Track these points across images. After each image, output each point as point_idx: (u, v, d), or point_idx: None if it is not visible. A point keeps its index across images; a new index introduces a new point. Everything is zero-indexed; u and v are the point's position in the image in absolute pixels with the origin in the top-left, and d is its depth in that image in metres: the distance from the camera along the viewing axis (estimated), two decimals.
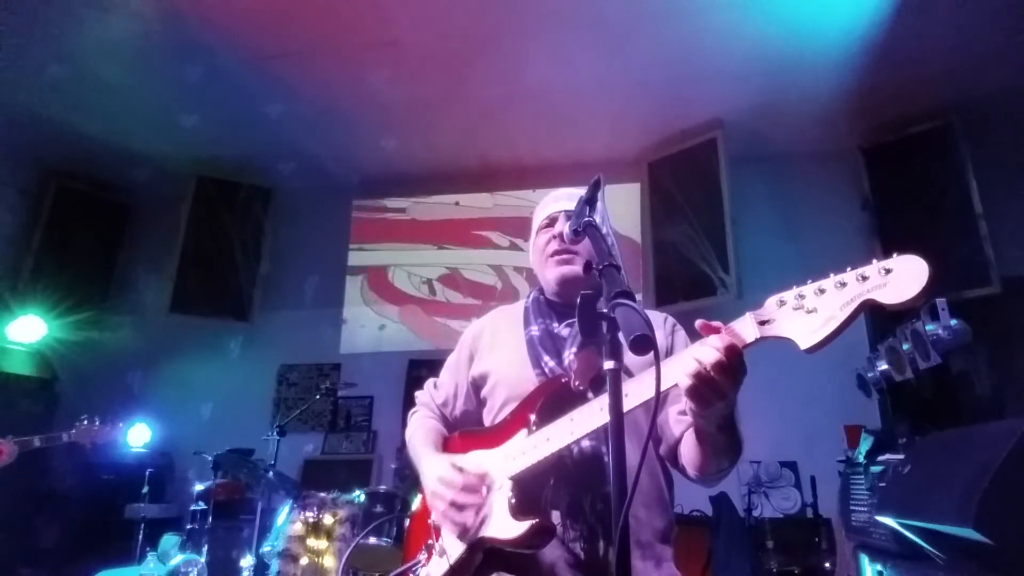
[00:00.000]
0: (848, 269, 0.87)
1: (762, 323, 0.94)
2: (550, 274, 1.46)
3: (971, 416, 3.78)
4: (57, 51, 4.03)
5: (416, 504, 1.57)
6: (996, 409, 3.92)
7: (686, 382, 0.98)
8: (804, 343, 0.89)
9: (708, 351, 0.96)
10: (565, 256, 1.43)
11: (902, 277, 0.82)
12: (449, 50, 4.09)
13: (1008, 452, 1.67)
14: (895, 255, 0.84)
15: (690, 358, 0.98)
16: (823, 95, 4.31)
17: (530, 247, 1.59)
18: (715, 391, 0.98)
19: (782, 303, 0.92)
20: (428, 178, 5.49)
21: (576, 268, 1.40)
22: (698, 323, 1.01)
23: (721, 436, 1.11)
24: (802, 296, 0.90)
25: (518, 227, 5.30)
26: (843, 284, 0.87)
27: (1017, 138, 4.28)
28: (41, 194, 5.26)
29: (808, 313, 0.89)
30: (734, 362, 0.95)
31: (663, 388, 1.03)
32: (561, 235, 1.37)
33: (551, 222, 1.48)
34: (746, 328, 0.96)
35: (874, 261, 0.85)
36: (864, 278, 0.85)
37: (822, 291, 0.88)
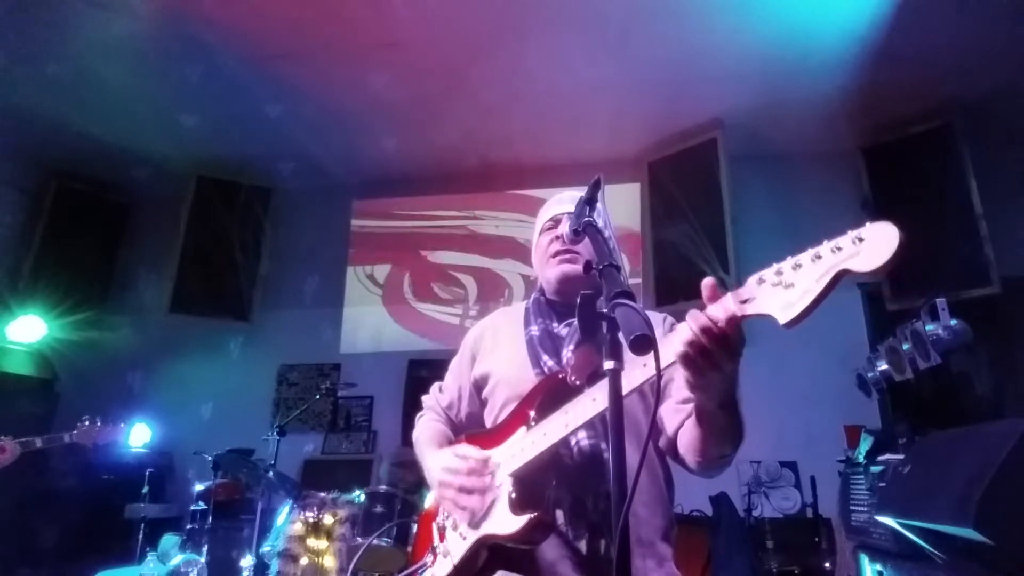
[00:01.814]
0: (824, 241, 0.88)
1: (743, 302, 0.95)
2: (551, 273, 1.47)
3: (971, 416, 3.78)
4: (57, 51, 4.03)
5: (423, 506, 1.58)
6: (996, 409, 3.92)
7: (679, 349, 0.97)
8: (783, 317, 0.89)
9: (702, 319, 0.96)
10: (567, 256, 1.43)
11: (874, 244, 0.82)
12: (449, 50, 4.09)
13: (1008, 452, 1.67)
14: (868, 224, 0.84)
15: (684, 327, 0.97)
16: (823, 95, 4.31)
17: (532, 249, 1.60)
18: (709, 360, 0.96)
19: (761, 281, 0.93)
20: (428, 178, 5.49)
21: (577, 267, 1.40)
22: (706, 281, 0.99)
23: (723, 415, 1.09)
24: (780, 272, 0.91)
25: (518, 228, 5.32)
26: (818, 257, 0.87)
27: (1017, 138, 4.28)
28: (41, 194, 5.27)
29: (786, 288, 0.90)
30: (727, 331, 0.95)
31: (638, 384, 1.03)
32: (563, 236, 1.38)
33: (555, 223, 1.49)
34: (728, 308, 0.96)
35: (848, 232, 0.86)
36: (838, 249, 0.86)
37: (799, 266, 0.89)
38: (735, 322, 0.95)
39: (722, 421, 1.11)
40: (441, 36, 3.98)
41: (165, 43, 4.01)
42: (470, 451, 1.31)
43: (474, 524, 1.27)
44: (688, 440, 1.22)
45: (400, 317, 5.42)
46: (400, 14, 3.77)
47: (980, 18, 3.63)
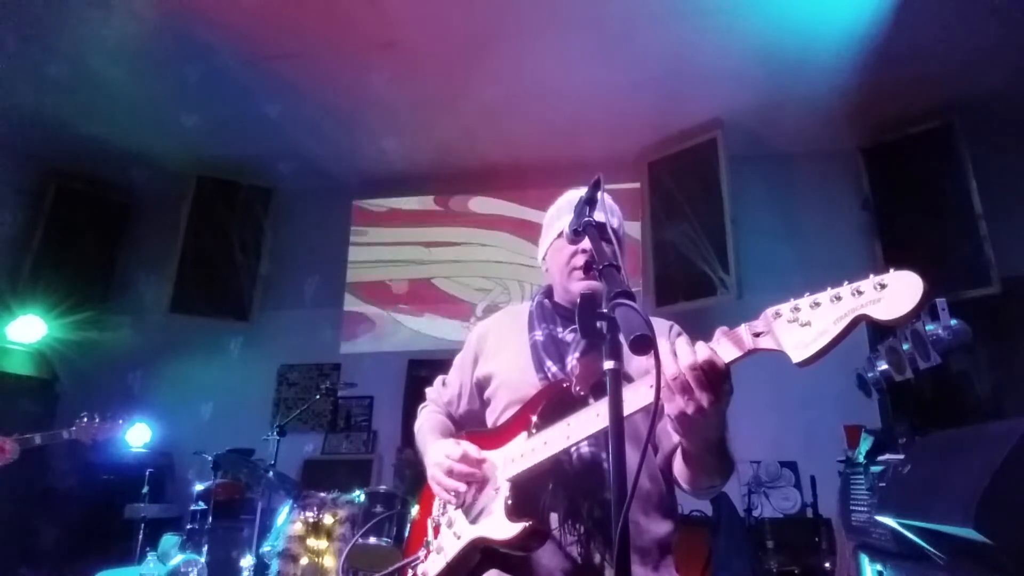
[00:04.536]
0: (845, 283, 0.87)
1: (756, 335, 0.94)
2: (575, 287, 1.41)
3: (971, 416, 3.78)
4: (57, 51, 4.03)
5: (417, 508, 1.58)
6: (996, 409, 3.91)
7: (667, 396, 0.98)
8: (796, 356, 0.88)
9: (689, 357, 0.96)
10: (593, 273, 1.40)
11: (897, 293, 0.82)
12: (449, 50, 4.09)
13: (1008, 452, 1.67)
14: (892, 270, 0.84)
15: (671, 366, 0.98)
16: (823, 95, 4.31)
17: (542, 247, 1.56)
18: (694, 405, 0.97)
19: (777, 315, 0.92)
20: (428, 178, 5.49)
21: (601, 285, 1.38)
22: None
23: (711, 459, 1.12)
24: (797, 309, 0.90)
25: (520, 230, 5.32)
26: (838, 298, 0.87)
27: (1017, 138, 4.28)
28: (41, 194, 5.27)
29: (802, 326, 0.89)
30: (712, 376, 0.96)
31: (642, 405, 1.03)
32: (590, 251, 1.29)
33: (578, 235, 1.45)
34: (740, 339, 0.96)
35: (871, 276, 0.85)
36: (859, 293, 0.85)
37: (817, 304, 0.88)
38: (709, 363, 0.95)
39: (710, 462, 1.13)
40: (441, 36, 3.98)
41: (165, 43, 4.01)
42: (471, 446, 1.33)
43: (466, 512, 1.29)
44: (679, 469, 1.24)
45: (400, 317, 5.41)
46: (399, 14, 3.77)
47: (980, 18, 3.63)
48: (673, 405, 0.99)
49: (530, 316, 1.49)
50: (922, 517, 2.01)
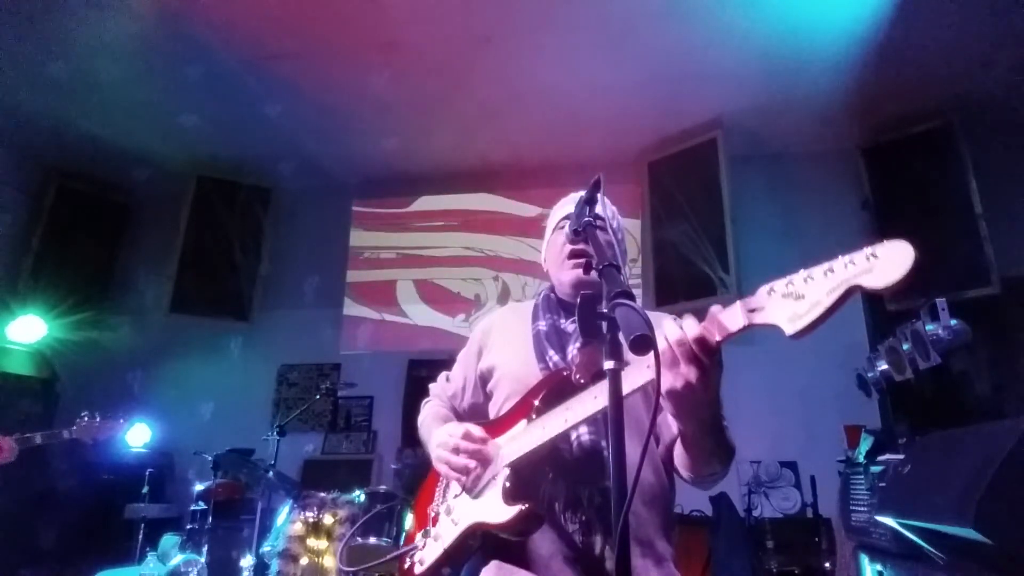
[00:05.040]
0: (838, 256, 0.87)
1: (751, 311, 0.95)
2: (565, 276, 1.47)
3: (971, 416, 3.78)
4: (57, 51, 4.03)
5: (414, 511, 1.59)
6: (996, 409, 3.92)
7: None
8: (789, 329, 0.89)
9: (677, 332, 0.98)
10: (582, 260, 1.41)
11: (887, 261, 0.83)
12: (449, 50, 4.09)
13: (1008, 452, 1.67)
14: (884, 241, 0.84)
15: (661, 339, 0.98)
16: (823, 95, 4.31)
17: (544, 246, 1.61)
18: (682, 379, 0.98)
19: (772, 291, 0.93)
20: (428, 178, 5.50)
21: (593, 273, 1.40)
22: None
23: (708, 441, 1.12)
24: (791, 284, 0.91)
25: (521, 229, 5.33)
26: (831, 271, 0.88)
27: (1017, 138, 4.28)
28: (41, 194, 5.27)
29: (796, 300, 0.90)
30: (698, 349, 0.97)
31: (640, 384, 1.04)
32: (582, 240, 1.34)
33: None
34: (735, 316, 0.97)
35: (864, 248, 0.86)
36: (852, 264, 0.86)
37: (811, 278, 0.89)
38: (696, 338, 0.97)
39: (707, 445, 1.14)
40: (441, 36, 3.98)
41: (165, 43, 4.01)
42: (472, 426, 1.35)
43: (464, 498, 1.30)
44: (679, 456, 1.24)
45: (400, 317, 5.41)
46: (400, 14, 3.77)
47: (980, 18, 3.63)
48: (662, 380, 0.99)
49: (535, 308, 1.52)
50: (922, 517, 2.01)
